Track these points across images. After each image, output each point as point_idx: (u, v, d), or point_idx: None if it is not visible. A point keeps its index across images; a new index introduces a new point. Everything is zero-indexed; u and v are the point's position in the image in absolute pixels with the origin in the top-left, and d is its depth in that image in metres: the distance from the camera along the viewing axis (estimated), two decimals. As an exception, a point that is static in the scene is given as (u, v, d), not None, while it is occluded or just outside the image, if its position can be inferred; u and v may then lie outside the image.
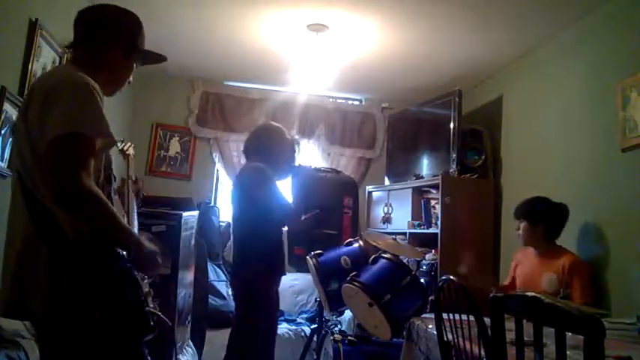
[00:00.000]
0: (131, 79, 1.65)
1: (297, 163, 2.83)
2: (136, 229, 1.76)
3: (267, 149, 2.66)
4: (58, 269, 1.32)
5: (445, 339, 1.92)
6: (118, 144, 2.00)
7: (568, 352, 1.19)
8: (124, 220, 1.44)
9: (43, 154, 1.29)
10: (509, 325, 1.36)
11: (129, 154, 2.09)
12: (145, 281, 1.50)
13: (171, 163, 4.76)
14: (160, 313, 1.45)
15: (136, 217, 1.76)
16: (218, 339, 3.29)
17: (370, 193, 4.64)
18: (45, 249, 1.32)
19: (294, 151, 2.78)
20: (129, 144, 2.11)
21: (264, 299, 2.52)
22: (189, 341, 3.30)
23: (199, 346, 3.45)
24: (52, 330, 1.36)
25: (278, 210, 2.56)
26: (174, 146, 4.78)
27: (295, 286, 4.42)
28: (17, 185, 1.39)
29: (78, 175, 1.26)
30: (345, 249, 2.94)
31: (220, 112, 4.75)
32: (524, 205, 2.76)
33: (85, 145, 1.31)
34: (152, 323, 1.40)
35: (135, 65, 1.63)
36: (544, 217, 2.66)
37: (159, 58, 1.69)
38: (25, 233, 1.35)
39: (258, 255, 2.52)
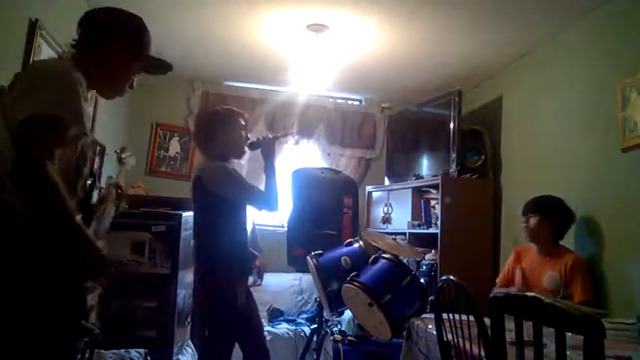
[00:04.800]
0: (134, 84, 1.63)
1: (253, 138, 2.68)
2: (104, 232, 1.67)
3: (213, 140, 2.53)
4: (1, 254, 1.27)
5: (445, 339, 1.92)
6: (118, 150, 1.99)
7: (568, 352, 1.19)
8: (79, 217, 1.36)
9: (15, 133, 1.28)
10: (509, 325, 1.36)
11: (124, 163, 2.05)
12: (94, 293, 1.42)
13: (171, 163, 4.76)
14: (96, 331, 1.37)
15: (107, 222, 1.64)
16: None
17: (370, 193, 4.64)
18: None
19: (241, 127, 2.60)
20: (129, 153, 2.09)
21: (228, 296, 2.45)
22: (189, 341, 3.30)
23: (199, 347, 3.44)
24: None
25: (253, 200, 2.53)
26: (174, 146, 4.78)
27: (295, 286, 4.42)
28: None
29: (39, 154, 1.26)
30: (345, 249, 2.94)
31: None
32: (536, 201, 2.75)
33: (54, 126, 1.30)
34: (83, 339, 1.33)
35: (137, 71, 1.62)
36: (555, 215, 2.66)
37: (164, 67, 1.68)
38: None
39: (224, 258, 2.46)
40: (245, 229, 2.61)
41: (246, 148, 2.64)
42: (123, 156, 2.05)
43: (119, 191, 1.78)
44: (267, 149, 2.59)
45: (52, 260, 1.32)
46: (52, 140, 1.30)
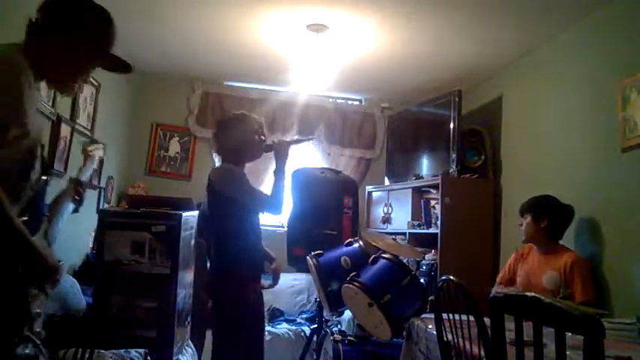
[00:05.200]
0: (88, 80, 1.52)
1: (269, 141, 2.74)
2: (55, 234, 1.58)
3: (231, 144, 2.60)
4: None
5: (445, 339, 1.92)
6: (92, 146, 1.89)
7: (568, 352, 1.19)
8: (21, 224, 1.26)
9: None
10: (509, 325, 1.36)
11: (90, 156, 1.96)
12: (38, 301, 1.33)
13: (171, 163, 4.76)
14: (39, 343, 1.30)
15: (59, 224, 1.57)
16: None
17: (370, 193, 4.64)
18: None
19: (258, 133, 2.70)
20: (96, 146, 1.98)
21: (242, 299, 2.50)
22: (189, 341, 3.30)
23: (199, 347, 3.44)
24: None
25: (256, 203, 2.56)
26: (174, 146, 4.78)
27: (295, 286, 4.42)
28: None
29: None
30: (345, 249, 2.94)
31: (220, 113, 4.75)
32: (529, 201, 2.77)
33: None
34: (24, 349, 1.25)
35: (96, 66, 1.51)
36: (548, 213, 2.66)
37: (124, 67, 1.54)
38: None
39: (235, 259, 2.50)
40: (258, 230, 2.65)
41: (262, 149, 2.68)
42: (89, 149, 1.97)
43: (79, 189, 1.70)
44: (281, 153, 2.62)
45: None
46: None
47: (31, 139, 1.30)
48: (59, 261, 1.32)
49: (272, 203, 2.55)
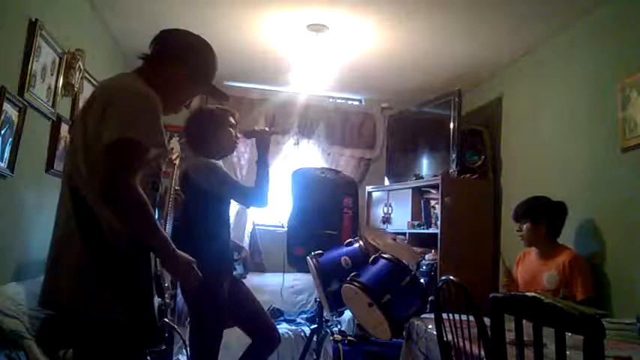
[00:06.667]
0: (190, 104, 1.74)
1: (252, 129, 2.72)
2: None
3: (204, 138, 2.56)
4: (89, 267, 1.37)
5: (445, 339, 1.92)
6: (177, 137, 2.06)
7: (568, 352, 1.19)
8: (163, 229, 1.47)
9: (99, 158, 1.35)
10: (509, 325, 1.36)
11: (175, 164, 2.08)
12: (167, 293, 1.55)
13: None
14: (175, 327, 1.49)
15: (170, 226, 1.79)
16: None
17: (370, 193, 4.64)
18: (79, 245, 1.37)
19: (231, 126, 2.66)
20: (176, 153, 2.14)
21: (211, 288, 2.46)
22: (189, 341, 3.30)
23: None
24: (75, 325, 1.43)
25: (237, 195, 2.55)
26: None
27: (295, 286, 4.42)
28: (65, 182, 1.47)
29: (126, 177, 1.32)
30: (345, 249, 2.94)
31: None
32: (524, 206, 2.75)
33: (137, 151, 1.37)
34: (166, 335, 1.44)
35: (197, 94, 1.74)
36: (546, 215, 2.66)
37: (222, 96, 1.75)
38: (65, 229, 1.41)
39: (206, 251, 2.47)
40: (228, 224, 2.62)
41: (237, 144, 2.69)
42: (173, 158, 2.12)
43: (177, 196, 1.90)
44: (262, 142, 2.60)
45: (140, 268, 1.43)
46: (136, 161, 1.37)
47: (166, 153, 1.56)
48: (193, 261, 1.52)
49: (257, 195, 2.51)
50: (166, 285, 1.52)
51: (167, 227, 1.78)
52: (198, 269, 1.53)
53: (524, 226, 2.70)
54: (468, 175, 3.82)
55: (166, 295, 1.51)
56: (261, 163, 2.55)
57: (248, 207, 2.67)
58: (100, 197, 1.33)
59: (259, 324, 2.66)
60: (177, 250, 1.46)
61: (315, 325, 3.33)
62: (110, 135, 1.34)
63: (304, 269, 3.14)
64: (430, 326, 2.19)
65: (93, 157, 1.38)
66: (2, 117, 2.22)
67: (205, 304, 2.43)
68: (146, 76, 1.53)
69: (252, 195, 2.53)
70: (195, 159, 2.58)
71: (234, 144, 2.66)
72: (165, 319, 1.46)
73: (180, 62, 1.60)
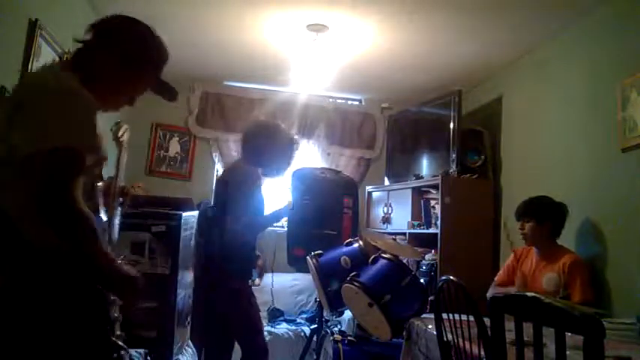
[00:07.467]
0: (134, 102, 1.56)
1: (295, 166, 2.83)
2: (116, 234, 1.68)
3: (260, 149, 2.64)
4: (12, 277, 1.25)
5: (445, 339, 1.92)
6: (113, 127, 1.83)
7: (568, 352, 1.19)
8: (106, 239, 1.38)
9: (26, 164, 1.22)
10: (509, 325, 1.36)
11: (122, 141, 1.87)
12: (115, 306, 1.41)
13: (171, 163, 4.76)
14: (124, 346, 1.38)
15: (117, 222, 1.65)
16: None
17: (370, 193, 4.64)
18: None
19: (290, 150, 2.74)
20: (124, 127, 1.86)
21: (244, 294, 2.58)
22: (189, 341, 3.30)
23: (199, 347, 3.44)
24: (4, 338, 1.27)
25: (246, 215, 2.63)
26: (174, 146, 4.78)
27: (295, 286, 4.42)
28: None
29: (66, 193, 1.21)
30: (345, 249, 2.93)
31: (220, 112, 4.76)
32: (529, 205, 2.74)
33: (75, 160, 1.24)
34: (115, 355, 1.34)
35: (145, 89, 1.56)
36: (550, 216, 2.66)
37: (169, 92, 1.65)
38: None
39: (235, 257, 2.54)
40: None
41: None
42: (120, 134, 1.86)
43: (125, 190, 1.79)
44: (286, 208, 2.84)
45: (79, 283, 1.30)
46: (75, 171, 1.25)
47: (103, 159, 1.42)
48: (137, 273, 1.38)
49: (256, 226, 2.67)
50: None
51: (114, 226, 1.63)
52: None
53: (528, 225, 2.69)
54: (467, 175, 3.82)
55: (115, 307, 1.39)
56: (283, 213, 2.80)
57: (239, 226, 2.69)
58: (38, 213, 1.21)
59: (257, 339, 2.73)
60: (120, 264, 1.35)
61: (315, 325, 3.33)
62: (42, 141, 1.21)
63: (304, 269, 3.14)
64: (430, 326, 2.19)
65: (18, 161, 1.23)
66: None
67: (239, 303, 2.50)
68: (76, 67, 1.38)
69: (254, 221, 2.66)
70: (242, 166, 2.74)
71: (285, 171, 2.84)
72: (113, 338, 1.34)
73: (110, 46, 1.43)
